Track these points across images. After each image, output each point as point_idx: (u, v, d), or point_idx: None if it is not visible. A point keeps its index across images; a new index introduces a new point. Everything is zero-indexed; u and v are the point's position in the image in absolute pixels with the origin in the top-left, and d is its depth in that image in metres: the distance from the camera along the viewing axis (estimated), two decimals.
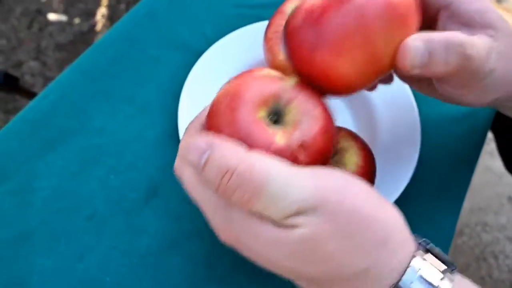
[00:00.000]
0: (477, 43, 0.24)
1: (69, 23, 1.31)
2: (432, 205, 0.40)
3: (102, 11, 1.33)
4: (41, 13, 1.33)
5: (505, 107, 0.33)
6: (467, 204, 0.98)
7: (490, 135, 1.09)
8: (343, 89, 0.24)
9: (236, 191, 0.19)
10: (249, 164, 0.19)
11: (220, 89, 0.23)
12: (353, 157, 0.30)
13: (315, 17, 0.22)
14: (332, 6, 0.22)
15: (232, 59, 0.44)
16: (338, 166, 0.29)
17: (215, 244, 0.36)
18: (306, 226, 0.20)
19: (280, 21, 0.38)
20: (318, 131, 0.22)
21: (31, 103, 0.43)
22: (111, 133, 0.42)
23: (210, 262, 0.36)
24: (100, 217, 0.38)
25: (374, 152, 0.33)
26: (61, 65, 1.24)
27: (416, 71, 0.24)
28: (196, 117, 0.25)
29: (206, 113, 0.24)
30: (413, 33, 0.23)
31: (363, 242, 0.20)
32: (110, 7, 1.34)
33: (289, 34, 0.23)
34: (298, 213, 0.20)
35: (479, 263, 0.91)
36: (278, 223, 0.20)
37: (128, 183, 0.39)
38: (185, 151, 0.21)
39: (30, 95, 0.73)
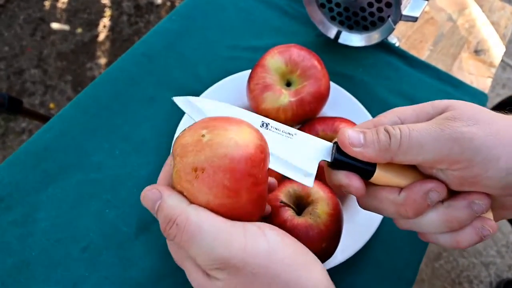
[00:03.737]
0: (399, 127, 0.26)
1: (72, 32, 1.34)
2: (395, 254, 0.43)
3: (104, 22, 1.36)
4: (44, 21, 1.36)
5: None
6: None
7: None
8: None
9: (175, 237, 0.24)
10: (186, 216, 0.23)
11: None
12: (324, 207, 0.34)
13: None
14: None
15: (225, 102, 0.48)
16: (312, 216, 0.34)
17: None
18: (225, 281, 0.23)
19: (261, 74, 0.42)
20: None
21: (34, 136, 0.46)
22: (108, 168, 0.45)
23: None
24: (94, 249, 0.41)
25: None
26: (62, 74, 1.27)
27: (356, 149, 0.27)
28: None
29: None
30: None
31: None
32: (112, 18, 1.37)
33: None
34: (220, 268, 0.23)
35: (454, 287, 0.95)
36: (205, 271, 0.24)
37: (121, 217, 0.43)
38: (143, 199, 0.25)
39: (33, 115, 0.76)
